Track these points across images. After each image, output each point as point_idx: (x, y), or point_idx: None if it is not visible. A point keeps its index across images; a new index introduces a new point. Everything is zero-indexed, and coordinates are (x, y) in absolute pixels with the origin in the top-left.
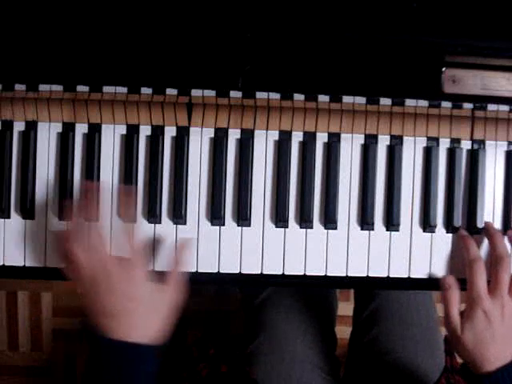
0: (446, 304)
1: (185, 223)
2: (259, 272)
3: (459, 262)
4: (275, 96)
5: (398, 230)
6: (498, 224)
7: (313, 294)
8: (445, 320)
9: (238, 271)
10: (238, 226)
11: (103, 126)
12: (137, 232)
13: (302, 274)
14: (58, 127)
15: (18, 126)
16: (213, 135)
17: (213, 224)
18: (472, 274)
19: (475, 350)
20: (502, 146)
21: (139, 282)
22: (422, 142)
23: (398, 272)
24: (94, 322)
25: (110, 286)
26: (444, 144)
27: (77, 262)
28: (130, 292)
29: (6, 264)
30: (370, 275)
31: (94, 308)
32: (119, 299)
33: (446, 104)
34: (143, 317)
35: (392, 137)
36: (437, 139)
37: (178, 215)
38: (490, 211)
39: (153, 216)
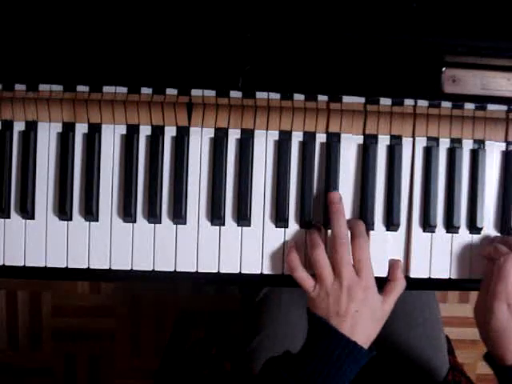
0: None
1: (185, 223)
2: (259, 272)
3: (459, 261)
4: (275, 96)
5: (397, 230)
6: (497, 224)
7: None
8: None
9: (238, 271)
10: (238, 225)
11: (103, 126)
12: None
13: None
14: (58, 127)
15: (18, 126)
16: (213, 135)
17: (213, 224)
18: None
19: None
20: (502, 146)
21: (373, 292)
22: (421, 142)
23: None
24: (323, 317)
25: (352, 292)
26: (444, 144)
27: (320, 268)
28: (365, 299)
29: (6, 264)
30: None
31: (329, 307)
32: (356, 304)
33: (446, 104)
34: (368, 323)
35: (392, 137)
36: (437, 139)
37: (178, 215)
38: (490, 211)
39: (153, 216)
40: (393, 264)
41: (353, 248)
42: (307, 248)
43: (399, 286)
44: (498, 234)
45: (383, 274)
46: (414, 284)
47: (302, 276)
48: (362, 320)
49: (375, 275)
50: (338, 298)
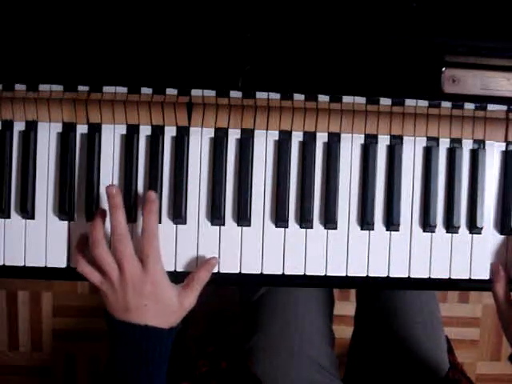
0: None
1: (185, 223)
2: (259, 272)
3: (459, 261)
4: (275, 96)
5: (398, 230)
6: (498, 224)
7: (310, 290)
8: (498, 309)
9: (237, 271)
10: (238, 225)
11: (103, 126)
12: (157, 233)
13: (301, 273)
14: (58, 127)
15: (18, 126)
16: (213, 135)
17: (213, 224)
18: None
19: None
20: (502, 146)
21: (163, 286)
22: (421, 142)
23: (398, 272)
24: (115, 316)
25: (137, 287)
26: (444, 144)
27: (103, 266)
28: (153, 293)
29: (6, 264)
30: (370, 275)
31: (116, 305)
32: (144, 299)
33: (446, 104)
34: (161, 315)
35: (392, 137)
36: (437, 139)
37: (178, 215)
38: (490, 211)
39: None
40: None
41: (141, 243)
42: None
43: (199, 279)
44: (498, 235)
45: (384, 273)
46: (414, 284)
47: (85, 270)
48: (154, 312)
49: (377, 275)
50: (125, 293)
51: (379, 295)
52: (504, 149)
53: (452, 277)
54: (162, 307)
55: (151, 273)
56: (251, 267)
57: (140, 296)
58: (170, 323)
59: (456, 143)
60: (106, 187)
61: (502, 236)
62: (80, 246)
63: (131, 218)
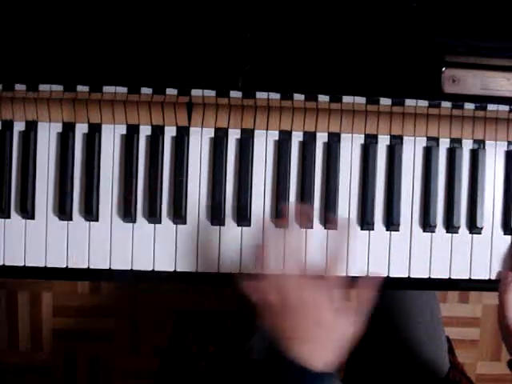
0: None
1: (185, 223)
2: (259, 272)
3: (459, 261)
4: (275, 96)
5: (398, 230)
6: (497, 224)
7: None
8: (499, 316)
9: (237, 271)
10: (238, 226)
11: (103, 126)
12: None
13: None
14: (58, 127)
15: (18, 126)
16: (213, 135)
17: (213, 224)
18: None
19: None
20: (502, 146)
21: (331, 311)
22: (421, 142)
23: (398, 272)
24: (279, 340)
25: (304, 311)
26: (444, 144)
27: (271, 287)
28: (322, 319)
29: (6, 264)
30: (370, 275)
31: (282, 329)
32: (310, 325)
33: (446, 104)
34: (328, 345)
35: (392, 137)
36: (437, 139)
37: (178, 215)
38: (490, 211)
39: (153, 216)
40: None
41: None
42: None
43: (364, 308)
44: (503, 235)
45: (385, 273)
46: (414, 284)
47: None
48: (324, 343)
49: (377, 275)
50: (286, 316)
51: (380, 295)
52: (505, 148)
53: (452, 277)
54: (331, 336)
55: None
56: (251, 267)
57: (303, 320)
58: (333, 360)
59: (456, 143)
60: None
61: (506, 236)
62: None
63: (131, 219)
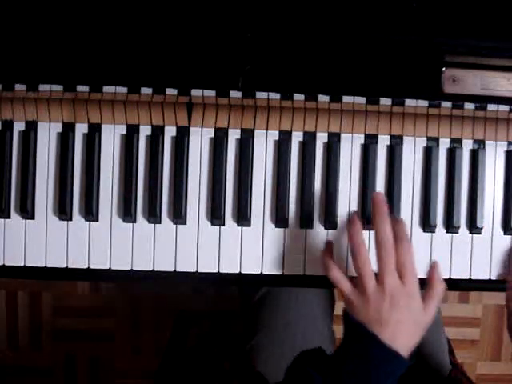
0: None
1: (185, 223)
2: (259, 272)
3: (459, 261)
4: (275, 96)
5: None
6: (497, 224)
7: (311, 290)
8: (509, 323)
9: (237, 271)
10: (238, 225)
11: (103, 126)
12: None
13: (301, 273)
14: (58, 127)
15: (18, 126)
16: (213, 135)
17: (213, 224)
18: None
19: None
20: (502, 146)
21: (416, 299)
22: (421, 142)
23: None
24: (366, 324)
25: (395, 300)
26: (444, 144)
27: (363, 273)
28: (407, 306)
29: (6, 264)
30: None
31: (366, 316)
32: (398, 313)
33: (446, 104)
34: (409, 332)
35: (392, 137)
36: (437, 139)
37: (178, 215)
38: (490, 211)
39: (153, 216)
40: (432, 268)
41: (397, 252)
42: (341, 250)
43: (440, 291)
44: (502, 234)
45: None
46: None
47: (337, 276)
48: (404, 329)
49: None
50: (380, 305)
51: None
52: (505, 148)
53: (452, 277)
54: (411, 324)
55: (408, 284)
56: (251, 267)
57: (395, 309)
58: (412, 344)
59: (456, 143)
60: (373, 193)
61: (507, 236)
62: (328, 252)
63: (131, 219)
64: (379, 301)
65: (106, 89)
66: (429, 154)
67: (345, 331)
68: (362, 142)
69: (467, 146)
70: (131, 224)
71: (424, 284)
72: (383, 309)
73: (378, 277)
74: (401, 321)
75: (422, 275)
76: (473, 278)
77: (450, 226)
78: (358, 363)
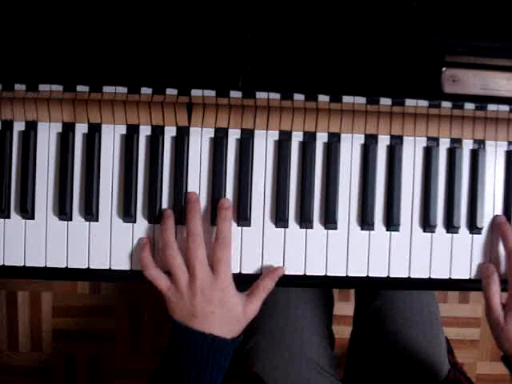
0: (488, 293)
1: (185, 223)
2: (259, 272)
3: (459, 261)
4: (275, 96)
5: (398, 230)
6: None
7: (310, 290)
8: (486, 310)
9: (237, 271)
10: (238, 226)
11: (103, 126)
12: (231, 240)
13: (301, 273)
14: (58, 127)
15: (18, 126)
16: (213, 135)
17: (213, 224)
18: None
19: None
20: (502, 146)
21: (230, 293)
22: (421, 142)
23: (398, 272)
24: (179, 322)
25: (206, 292)
26: (444, 144)
27: (173, 268)
28: (221, 300)
29: (6, 264)
30: (370, 275)
31: (182, 311)
32: (211, 305)
33: (446, 104)
34: (226, 323)
35: (392, 137)
36: (437, 139)
37: (178, 215)
38: (491, 211)
39: (153, 216)
40: (272, 268)
41: (215, 247)
42: (160, 246)
43: (265, 288)
44: None
45: (384, 273)
46: (414, 284)
47: (154, 274)
48: (220, 319)
49: (377, 275)
50: (193, 298)
51: (378, 295)
52: (505, 149)
53: (452, 277)
54: (227, 315)
55: (221, 278)
56: (251, 267)
57: (208, 302)
58: (233, 333)
59: (456, 143)
60: (188, 193)
61: None
62: (145, 249)
63: (131, 219)
64: (191, 293)
65: (106, 89)
66: (429, 154)
67: (170, 333)
68: (362, 142)
69: (467, 146)
70: (131, 224)
71: (425, 284)
72: (196, 303)
73: (189, 269)
74: (214, 312)
75: (424, 275)
76: (473, 278)
77: (450, 226)
78: (185, 358)
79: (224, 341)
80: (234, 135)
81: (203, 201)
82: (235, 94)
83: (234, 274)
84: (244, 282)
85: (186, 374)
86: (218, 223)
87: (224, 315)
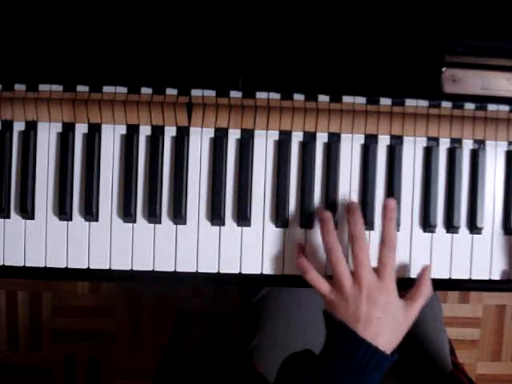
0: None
1: (185, 223)
2: (259, 272)
3: (460, 261)
4: (275, 96)
5: (398, 230)
6: (498, 224)
7: (313, 290)
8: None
9: (237, 271)
10: (238, 226)
11: (103, 126)
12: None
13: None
14: (58, 127)
15: (18, 126)
16: (213, 135)
17: (213, 224)
18: None
19: None
20: (502, 146)
21: (394, 297)
22: (422, 142)
23: (398, 272)
24: (346, 323)
25: (372, 297)
26: (444, 144)
27: (338, 271)
28: (386, 304)
29: (6, 264)
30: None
31: (345, 314)
32: (377, 310)
33: (446, 104)
34: (389, 330)
35: (392, 137)
36: (437, 139)
37: (178, 215)
38: (490, 211)
39: (153, 216)
40: (424, 270)
41: (381, 250)
42: (314, 249)
43: (425, 294)
44: (502, 233)
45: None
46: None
47: (315, 278)
48: (384, 326)
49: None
50: (358, 303)
51: None
52: (505, 149)
53: (452, 277)
54: (390, 322)
55: (387, 282)
56: (251, 267)
57: (373, 306)
58: (394, 343)
59: (456, 143)
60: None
61: (507, 236)
62: (302, 254)
63: (131, 219)
64: (357, 298)
65: (106, 89)
66: (429, 154)
67: (327, 331)
68: (362, 142)
69: (467, 146)
70: (131, 224)
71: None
72: (361, 305)
73: (354, 273)
74: (380, 318)
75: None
76: (473, 278)
77: (450, 226)
78: (341, 362)
79: (385, 357)
80: (234, 135)
81: (202, 201)
82: (235, 94)
83: (234, 274)
84: (245, 282)
85: (333, 374)
86: (385, 225)
87: (388, 322)
